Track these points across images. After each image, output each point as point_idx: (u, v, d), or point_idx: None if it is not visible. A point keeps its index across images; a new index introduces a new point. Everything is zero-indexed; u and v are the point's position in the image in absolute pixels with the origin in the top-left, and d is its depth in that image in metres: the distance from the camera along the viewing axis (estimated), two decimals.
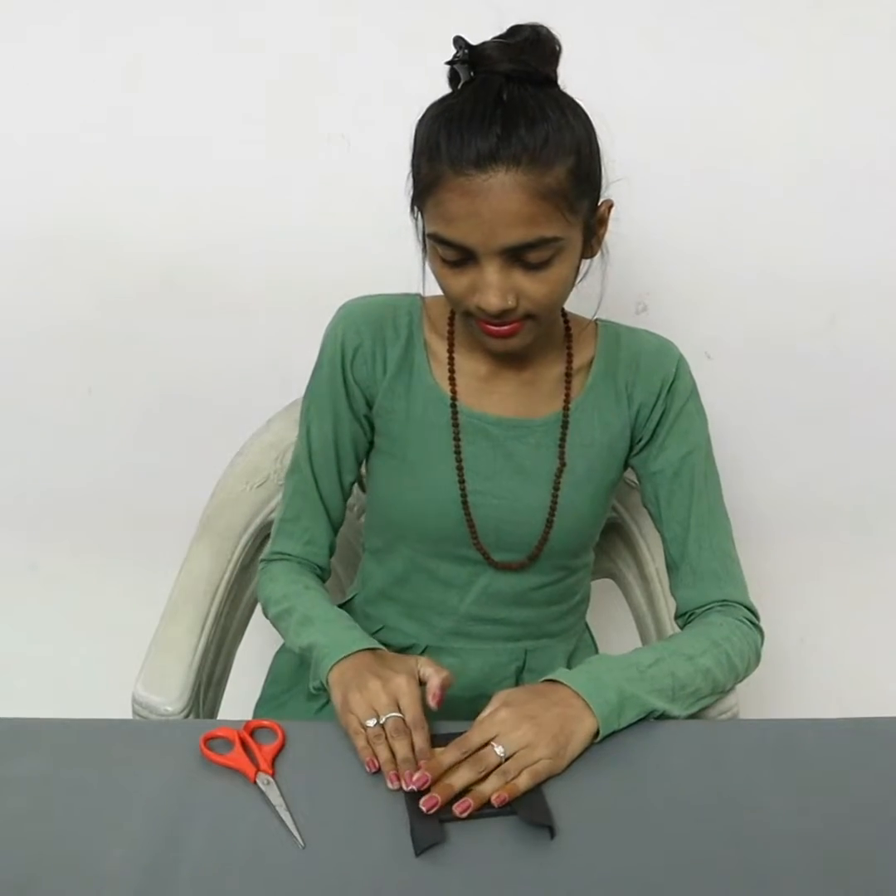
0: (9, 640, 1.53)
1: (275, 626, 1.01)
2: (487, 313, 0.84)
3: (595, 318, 1.00)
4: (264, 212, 1.30)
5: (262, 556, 1.07)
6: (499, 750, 0.76)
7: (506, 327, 0.86)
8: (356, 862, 0.69)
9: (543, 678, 0.85)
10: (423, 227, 0.85)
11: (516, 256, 0.81)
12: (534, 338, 0.89)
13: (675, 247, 1.32)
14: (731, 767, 0.80)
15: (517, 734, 0.77)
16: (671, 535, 1.00)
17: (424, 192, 0.82)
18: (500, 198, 0.77)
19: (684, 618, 1.01)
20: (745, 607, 0.98)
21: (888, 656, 1.61)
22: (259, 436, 1.21)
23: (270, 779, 0.76)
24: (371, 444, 1.03)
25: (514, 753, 0.76)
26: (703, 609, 0.98)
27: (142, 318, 1.37)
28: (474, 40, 0.81)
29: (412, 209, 0.86)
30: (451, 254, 0.83)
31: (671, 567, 1.02)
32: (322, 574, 1.05)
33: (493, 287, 0.82)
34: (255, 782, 0.76)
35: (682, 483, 0.98)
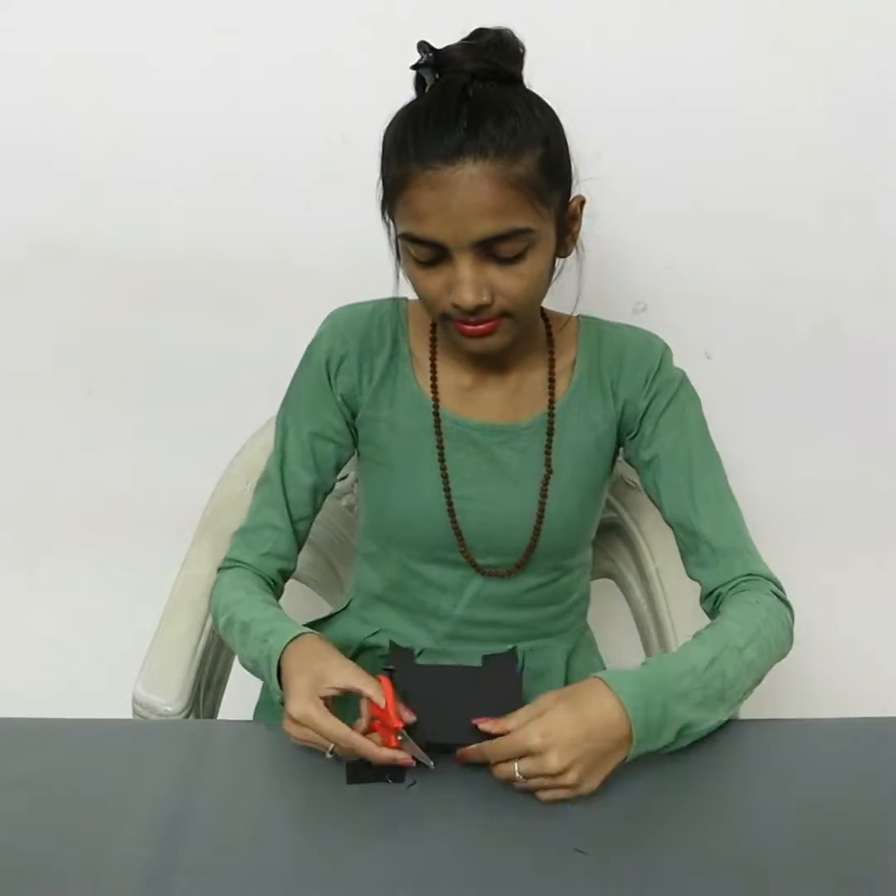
0: (9, 640, 1.53)
1: (224, 639, 0.96)
2: (463, 311, 0.83)
3: (579, 314, 0.99)
4: (264, 212, 1.30)
5: (218, 566, 1.02)
6: (518, 773, 0.74)
7: (482, 326, 0.85)
8: (356, 862, 0.69)
9: (594, 675, 0.79)
10: (395, 232, 0.85)
11: (489, 251, 0.80)
12: (512, 338, 0.88)
13: (676, 246, 1.32)
14: (731, 767, 0.80)
15: (543, 761, 0.73)
16: (677, 519, 0.97)
17: (394, 192, 0.82)
18: (469, 190, 0.77)
19: (711, 599, 0.96)
20: (772, 581, 0.94)
21: (888, 656, 1.61)
22: (259, 436, 1.21)
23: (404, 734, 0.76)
24: (355, 454, 1.03)
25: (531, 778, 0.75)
26: (731, 586, 0.93)
27: (141, 318, 1.37)
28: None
29: (383, 215, 0.86)
30: (423, 253, 0.82)
31: (684, 551, 0.98)
32: (276, 586, 1.01)
33: (467, 282, 0.81)
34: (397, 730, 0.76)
35: (679, 464, 0.96)
